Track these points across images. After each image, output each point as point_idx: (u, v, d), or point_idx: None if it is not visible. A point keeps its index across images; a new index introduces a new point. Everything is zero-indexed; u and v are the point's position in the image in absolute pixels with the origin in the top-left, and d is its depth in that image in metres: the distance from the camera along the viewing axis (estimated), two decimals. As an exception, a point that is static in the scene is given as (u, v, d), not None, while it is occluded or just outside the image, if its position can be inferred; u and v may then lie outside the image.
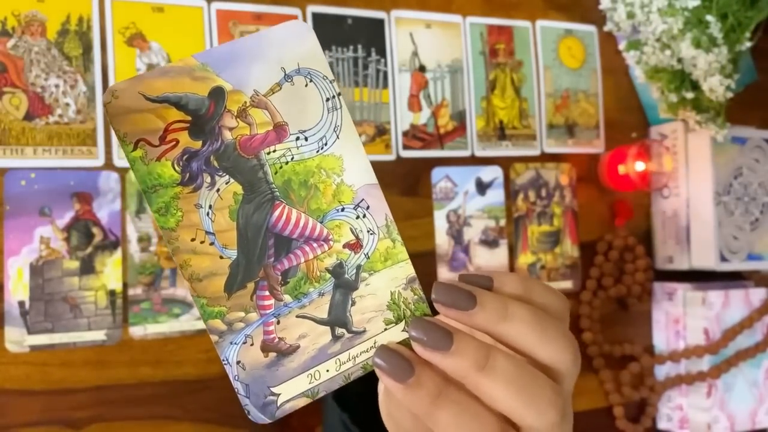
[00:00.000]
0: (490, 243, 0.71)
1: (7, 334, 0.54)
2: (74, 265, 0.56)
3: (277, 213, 0.28)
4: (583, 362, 0.78)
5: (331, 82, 0.29)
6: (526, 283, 0.28)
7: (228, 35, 0.62)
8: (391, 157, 0.67)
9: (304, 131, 0.28)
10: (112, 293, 0.57)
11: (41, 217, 0.56)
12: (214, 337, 0.28)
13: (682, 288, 0.75)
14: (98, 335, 0.56)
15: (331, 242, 0.29)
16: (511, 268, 0.72)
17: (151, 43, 0.60)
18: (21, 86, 0.56)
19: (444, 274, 0.68)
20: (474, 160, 0.71)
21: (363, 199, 0.29)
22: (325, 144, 0.29)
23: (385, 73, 0.68)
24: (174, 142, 0.27)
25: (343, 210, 0.29)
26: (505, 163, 0.72)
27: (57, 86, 0.57)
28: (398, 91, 0.68)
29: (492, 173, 0.71)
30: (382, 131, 0.67)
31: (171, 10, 0.60)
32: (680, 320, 0.75)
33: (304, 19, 0.65)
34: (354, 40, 0.67)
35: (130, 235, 0.58)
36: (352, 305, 0.29)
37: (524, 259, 0.72)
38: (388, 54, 0.68)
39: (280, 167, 0.28)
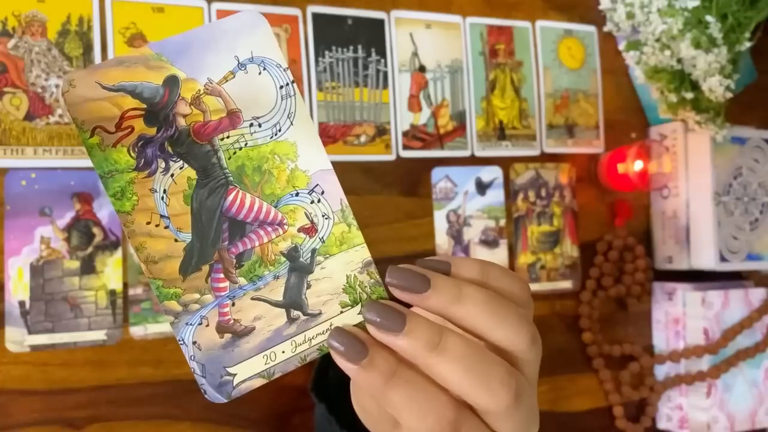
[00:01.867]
0: (490, 243, 0.71)
1: (8, 334, 0.54)
2: (74, 265, 0.56)
3: (231, 197, 0.29)
4: (583, 362, 0.78)
5: (284, 70, 0.29)
6: (484, 268, 0.29)
7: (228, 35, 0.62)
8: (391, 157, 0.67)
9: (258, 118, 0.29)
10: (112, 293, 0.57)
11: (41, 217, 0.56)
12: (170, 318, 0.28)
13: (681, 288, 0.75)
14: (98, 335, 0.56)
15: (285, 226, 0.30)
16: (511, 268, 0.72)
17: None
18: (21, 86, 0.56)
19: (444, 274, 0.68)
20: (474, 160, 0.71)
21: (317, 185, 0.30)
22: (279, 130, 0.29)
23: (385, 74, 0.68)
24: (129, 129, 0.27)
25: (297, 195, 0.30)
26: (505, 163, 0.72)
27: (57, 86, 0.57)
28: (398, 92, 0.68)
29: (492, 173, 0.71)
30: (382, 131, 0.67)
31: (171, 10, 0.61)
32: (680, 320, 0.75)
33: (304, 19, 0.65)
34: (354, 40, 0.67)
35: (130, 235, 0.58)
36: (307, 288, 0.30)
37: (524, 259, 0.72)
38: (388, 54, 0.68)
39: (234, 153, 0.29)
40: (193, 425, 0.59)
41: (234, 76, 0.29)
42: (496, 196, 0.71)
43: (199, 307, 0.29)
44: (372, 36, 0.68)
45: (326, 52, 0.66)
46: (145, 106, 0.28)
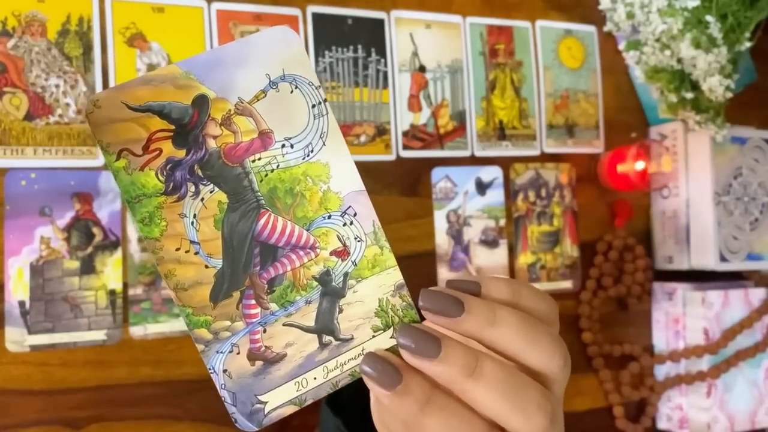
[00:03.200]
0: (490, 243, 0.71)
1: (8, 334, 0.54)
2: (74, 265, 0.56)
3: (262, 221, 0.28)
4: (583, 362, 0.78)
5: (316, 88, 0.28)
6: (514, 288, 0.28)
7: (228, 35, 0.62)
8: (391, 157, 0.67)
9: (290, 138, 0.28)
10: (112, 293, 0.57)
11: (41, 217, 0.56)
12: (200, 346, 0.28)
13: (681, 288, 0.75)
14: (98, 335, 0.56)
15: (317, 250, 0.29)
16: (511, 267, 0.72)
17: (151, 44, 0.60)
18: (21, 86, 0.56)
19: (444, 274, 0.68)
20: (474, 160, 0.71)
21: (350, 206, 0.29)
22: (312, 151, 0.28)
23: (385, 73, 0.68)
24: (157, 152, 0.26)
25: (329, 217, 0.29)
26: (505, 163, 0.72)
27: (57, 86, 0.57)
28: (398, 91, 0.68)
29: (492, 173, 0.71)
30: (382, 131, 0.67)
31: (171, 10, 0.61)
32: (680, 320, 0.75)
33: (304, 19, 0.65)
34: (354, 40, 0.67)
35: (130, 235, 0.58)
36: (339, 313, 0.29)
37: (524, 259, 0.72)
38: (388, 54, 0.68)
39: (266, 175, 0.28)
40: (193, 425, 0.59)
41: (265, 95, 0.28)
42: (496, 196, 0.71)
43: (230, 335, 0.28)
44: (372, 36, 0.68)
45: (326, 52, 0.66)
46: (173, 127, 0.27)
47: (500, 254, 0.71)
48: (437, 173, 0.69)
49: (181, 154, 0.27)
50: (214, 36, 0.62)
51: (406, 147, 0.68)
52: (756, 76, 0.80)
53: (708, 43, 0.66)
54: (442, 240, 0.69)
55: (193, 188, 0.27)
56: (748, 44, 0.68)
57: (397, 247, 0.67)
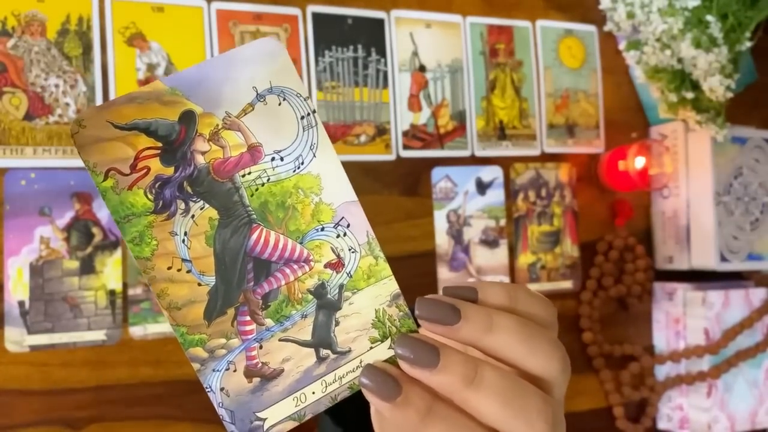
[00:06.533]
0: (490, 243, 0.71)
1: (7, 334, 0.54)
2: (74, 265, 0.56)
3: (254, 236, 0.28)
4: (583, 362, 0.78)
5: (305, 99, 0.28)
6: (511, 292, 0.28)
7: (228, 35, 0.62)
8: (391, 157, 0.67)
9: (280, 151, 0.28)
10: (112, 293, 0.57)
11: (41, 217, 0.56)
12: (195, 365, 0.27)
13: (682, 288, 0.75)
14: (98, 335, 0.56)
15: (311, 263, 0.29)
16: (512, 267, 0.72)
17: (151, 43, 0.60)
18: (21, 86, 0.56)
19: (444, 274, 0.68)
20: (474, 160, 0.71)
21: (343, 217, 0.29)
22: (302, 163, 0.28)
23: (385, 73, 0.68)
24: (145, 170, 0.26)
25: (322, 229, 0.29)
26: (505, 163, 0.72)
27: (57, 86, 0.57)
28: (398, 91, 0.68)
29: (492, 173, 0.71)
30: (382, 131, 0.67)
31: (171, 10, 0.60)
32: (680, 320, 0.75)
33: (304, 19, 0.65)
34: (354, 40, 0.67)
35: (130, 235, 0.58)
36: (336, 325, 0.29)
37: (524, 259, 0.72)
38: (388, 54, 0.68)
39: (256, 189, 0.28)
40: (193, 425, 0.59)
41: (253, 109, 0.27)
42: (496, 196, 0.71)
43: (226, 353, 0.27)
44: (372, 36, 0.67)
45: (326, 52, 0.66)
46: (160, 144, 0.26)
47: (500, 254, 0.71)
48: (437, 173, 0.69)
49: (169, 171, 0.26)
50: (214, 36, 0.62)
51: (406, 147, 0.68)
52: (756, 76, 0.80)
53: (708, 42, 0.66)
54: (442, 240, 0.69)
55: (183, 206, 0.27)
56: (748, 44, 0.68)
57: (397, 247, 0.67)
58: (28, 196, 0.55)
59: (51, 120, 0.56)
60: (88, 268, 0.57)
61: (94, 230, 0.57)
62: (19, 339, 0.54)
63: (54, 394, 0.55)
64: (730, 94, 0.68)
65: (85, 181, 0.57)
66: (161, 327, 0.58)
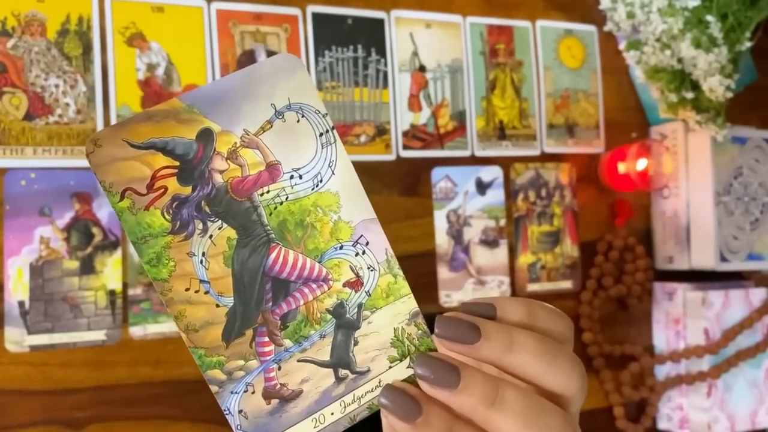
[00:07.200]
0: (490, 243, 0.71)
1: (7, 334, 0.54)
2: (74, 265, 0.56)
3: (273, 256, 0.27)
4: (583, 362, 0.78)
5: (323, 116, 0.27)
6: (530, 309, 0.28)
7: (228, 35, 0.62)
8: (391, 157, 0.67)
9: (298, 169, 0.27)
10: (112, 293, 0.57)
11: (41, 217, 0.56)
12: (213, 388, 0.27)
13: (682, 288, 0.75)
14: (98, 335, 0.56)
15: (330, 282, 0.28)
16: (512, 267, 0.72)
17: (151, 43, 0.60)
18: (21, 86, 0.56)
19: (444, 274, 0.68)
20: (474, 160, 0.71)
21: (362, 235, 0.28)
22: (321, 181, 0.28)
23: (385, 73, 0.68)
24: (162, 190, 0.26)
25: (341, 248, 0.28)
26: (505, 163, 0.72)
27: (57, 86, 0.57)
28: (398, 91, 0.68)
29: (492, 173, 0.71)
30: (382, 131, 0.67)
31: (171, 10, 0.60)
32: (680, 320, 0.75)
33: (304, 19, 0.65)
34: (354, 40, 0.67)
35: (130, 235, 0.58)
36: (354, 345, 0.28)
37: (524, 259, 0.72)
38: (388, 54, 0.68)
39: (275, 208, 0.27)
40: (193, 425, 0.59)
41: (271, 126, 0.27)
42: (496, 196, 0.71)
43: (244, 374, 0.27)
44: (372, 36, 0.67)
45: (326, 52, 0.66)
46: (178, 163, 0.26)
47: (500, 254, 0.71)
48: (437, 173, 0.69)
49: (187, 191, 0.26)
50: (214, 36, 0.62)
51: (406, 147, 0.68)
52: (756, 76, 0.80)
53: (708, 42, 0.66)
54: (442, 240, 0.69)
55: (200, 225, 0.26)
56: (748, 44, 0.68)
57: (397, 247, 0.67)
58: (28, 196, 0.55)
59: (51, 120, 0.56)
60: (88, 268, 0.57)
61: (94, 230, 0.57)
62: (19, 339, 0.54)
63: (54, 394, 0.55)
64: (730, 94, 0.68)
65: (85, 181, 0.57)
66: (161, 327, 0.58)
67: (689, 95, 0.70)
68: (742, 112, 0.76)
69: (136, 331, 0.57)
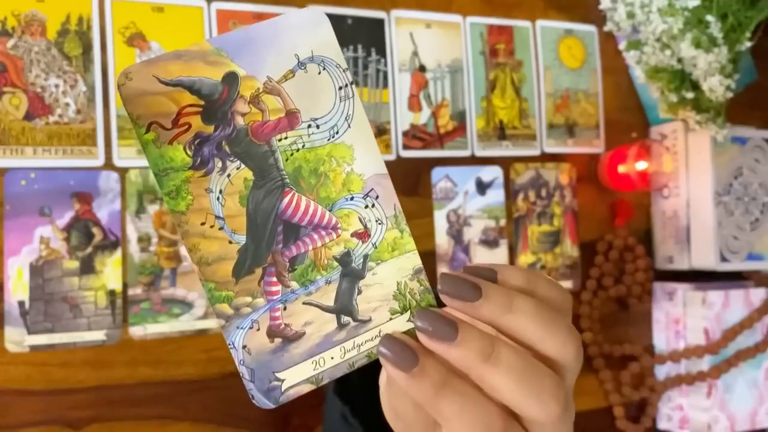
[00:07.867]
0: (490, 243, 0.71)
1: (7, 334, 0.54)
2: (74, 265, 0.56)
3: (286, 200, 0.28)
4: (583, 362, 0.78)
5: (344, 70, 0.28)
6: (530, 276, 0.28)
7: (228, 35, 0.62)
8: (391, 156, 0.67)
9: (316, 119, 0.28)
10: (112, 293, 0.57)
11: (41, 217, 0.56)
12: (220, 321, 0.28)
13: (682, 288, 0.75)
14: (98, 335, 0.56)
15: (339, 231, 0.29)
16: (511, 268, 0.71)
17: (150, 43, 0.60)
18: (21, 86, 0.56)
19: (444, 274, 0.68)
20: (474, 160, 0.71)
21: (372, 189, 0.30)
22: (337, 132, 0.29)
23: (385, 73, 0.68)
24: (186, 126, 0.27)
25: (352, 199, 0.29)
26: (505, 163, 0.72)
27: (57, 86, 0.57)
28: (398, 91, 0.68)
29: (492, 173, 0.71)
30: (382, 131, 0.67)
31: (171, 9, 0.60)
32: (680, 320, 0.75)
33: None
34: (354, 40, 0.67)
35: (130, 235, 0.58)
36: (358, 294, 0.29)
37: (524, 259, 0.72)
38: (388, 54, 0.68)
39: (291, 154, 0.28)
40: (193, 425, 0.59)
41: (294, 75, 0.28)
42: (496, 196, 0.71)
43: (251, 311, 0.28)
44: (372, 36, 0.67)
45: (326, 52, 0.65)
46: (203, 102, 0.27)
47: (500, 254, 0.71)
48: (437, 173, 0.69)
49: (209, 129, 0.27)
50: (214, 36, 0.62)
51: (406, 147, 0.68)
52: (756, 75, 0.80)
53: (708, 42, 0.66)
54: (442, 240, 0.69)
55: (220, 164, 0.27)
56: (748, 44, 0.68)
57: (397, 247, 0.67)
58: (28, 196, 0.55)
59: (51, 120, 0.56)
60: (88, 268, 0.57)
61: (94, 230, 0.57)
62: (19, 339, 0.54)
63: (54, 394, 0.55)
64: (730, 94, 0.68)
65: (85, 181, 0.57)
66: (161, 327, 0.58)
67: (689, 95, 0.70)
68: (742, 112, 0.76)
69: (136, 331, 0.57)
